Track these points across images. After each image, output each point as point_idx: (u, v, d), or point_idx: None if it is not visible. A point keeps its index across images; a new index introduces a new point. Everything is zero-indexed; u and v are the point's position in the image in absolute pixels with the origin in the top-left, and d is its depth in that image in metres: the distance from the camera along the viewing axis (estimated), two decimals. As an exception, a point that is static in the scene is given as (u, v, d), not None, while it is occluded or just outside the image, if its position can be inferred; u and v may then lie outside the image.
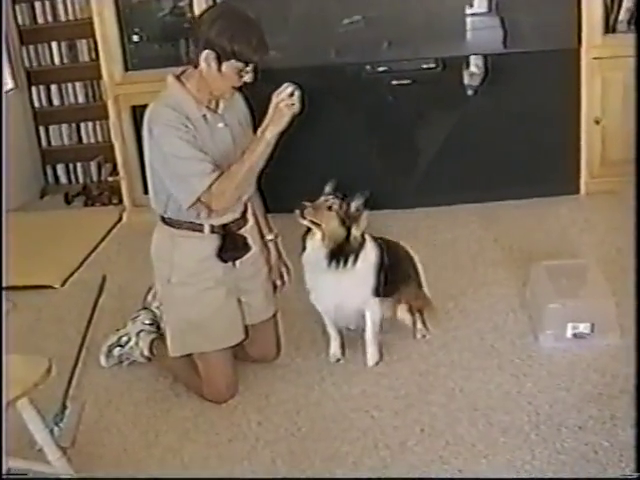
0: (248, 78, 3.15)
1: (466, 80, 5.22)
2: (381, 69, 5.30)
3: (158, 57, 5.54)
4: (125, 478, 2.98)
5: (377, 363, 3.60)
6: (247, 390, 3.53)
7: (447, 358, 3.63)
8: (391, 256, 3.65)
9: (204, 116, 3.19)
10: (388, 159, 5.47)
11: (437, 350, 3.68)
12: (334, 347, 3.71)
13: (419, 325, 3.78)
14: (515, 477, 2.80)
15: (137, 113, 5.54)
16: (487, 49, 5.20)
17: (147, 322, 3.77)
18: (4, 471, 2.86)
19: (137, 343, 3.76)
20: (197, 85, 3.19)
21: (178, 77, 3.24)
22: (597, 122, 5.24)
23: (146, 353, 3.74)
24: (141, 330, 3.76)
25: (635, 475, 2.53)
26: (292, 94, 3.07)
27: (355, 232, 3.46)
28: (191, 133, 3.13)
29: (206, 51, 3.07)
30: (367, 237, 3.55)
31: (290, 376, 3.60)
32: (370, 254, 3.54)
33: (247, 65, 3.10)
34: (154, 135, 3.15)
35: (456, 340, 3.75)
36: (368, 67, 5.30)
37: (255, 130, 3.24)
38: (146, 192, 5.58)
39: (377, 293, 3.57)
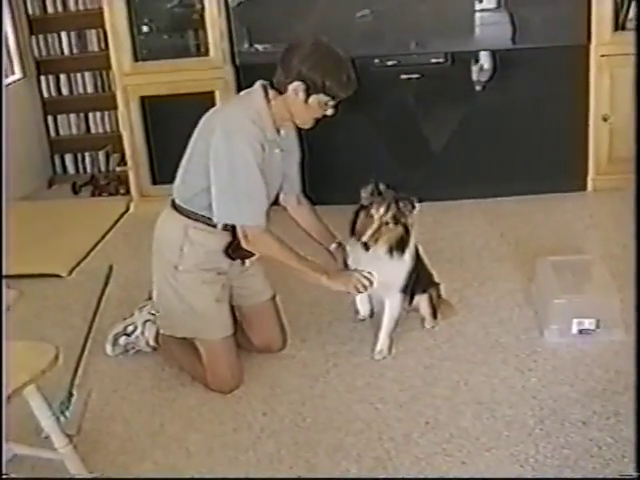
0: (330, 112, 3.27)
1: (475, 75, 5.23)
2: (390, 63, 5.30)
3: (167, 48, 5.56)
4: (129, 478, 2.98)
5: (384, 358, 3.60)
6: (252, 381, 3.54)
7: (452, 352, 3.64)
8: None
9: (273, 139, 3.27)
10: (395, 153, 5.47)
11: (442, 343, 3.69)
12: (362, 309, 3.89)
13: (428, 316, 3.83)
14: (515, 477, 2.80)
15: (146, 103, 5.57)
16: (496, 45, 5.20)
17: (153, 312, 3.78)
18: (6, 458, 2.88)
19: (143, 333, 3.77)
20: (279, 110, 3.25)
21: (266, 92, 3.26)
22: (605, 119, 5.25)
23: (152, 343, 3.75)
24: (147, 320, 3.77)
25: (635, 475, 2.53)
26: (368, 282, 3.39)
27: (410, 226, 3.48)
28: (262, 157, 3.20)
29: (297, 82, 3.15)
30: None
31: (295, 367, 3.61)
32: (412, 249, 3.54)
33: (333, 99, 3.21)
34: (233, 141, 3.16)
35: (461, 334, 3.76)
36: (377, 61, 5.30)
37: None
38: (154, 183, 5.69)
39: (405, 289, 3.61)
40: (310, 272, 3.33)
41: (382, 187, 3.49)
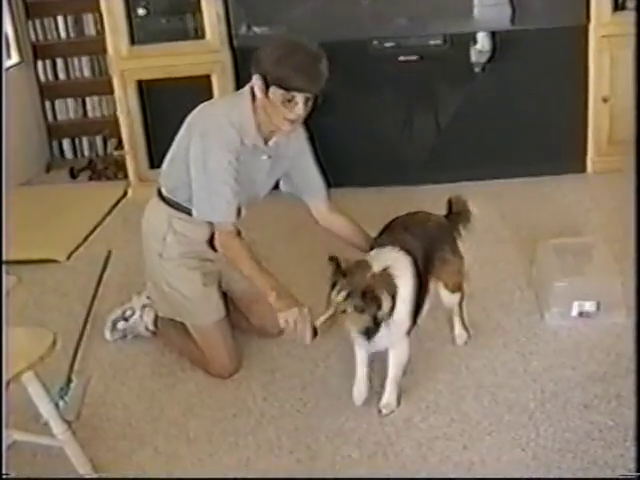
0: (298, 110, 3.04)
1: (473, 57, 5.20)
2: (388, 45, 5.27)
3: (164, 31, 5.50)
4: (128, 478, 2.97)
5: (392, 412, 3.16)
6: (252, 365, 3.53)
7: (453, 335, 3.63)
8: (424, 236, 3.26)
9: (254, 145, 3.20)
10: (394, 136, 5.46)
11: (443, 327, 3.67)
12: (360, 389, 3.22)
13: (457, 328, 3.58)
14: (516, 477, 2.78)
15: (143, 87, 5.54)
16: (495, 26, 5.16)
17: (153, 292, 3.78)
18: (6, 445, 2.87)
19: (141, 317, 3.77)
20: (261, 114, 3.14)
21: (254, 96, 3.14)
22: (605, 100, 5.22)
23: (150, 327, 3.74)
24: (145, 304, 3.76)
25: (635, 475, 2.53)
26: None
27: (382, 311, 2.91)
28: (238, 161, 3.14)
29: (255, 76, 3.05)
30: (398, 272, 2.98)
31: (296, 352, 3.60)
32: (405, 290, 2.99)
33: (289, 91, 2.99)
34: (206, 142, 3.13)
35: (462, 317, 3.75)
36: (375, 43, 5.27)
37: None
38: (152, 167, 5.66)
39: (411, 327, 3.13)
40: (264, 285, 3.15)
41: (348, 265, 2.96)
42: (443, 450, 2.93)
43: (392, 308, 2.92)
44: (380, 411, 3.15)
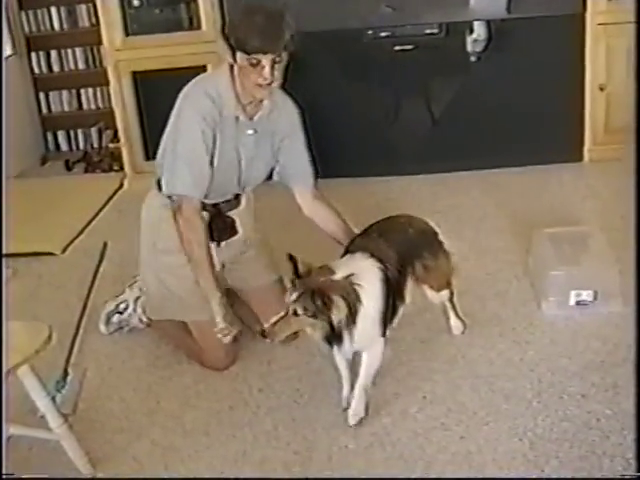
0: (265, 73, 2.97)
1: (469, 46, 5.19)
2: (383, 34, 5.25)
3: (159, 22, 5.50)
4: (128, 479, 2.96)
5: (360, 421, 3.05)
6: (249, 357, 3.52)
7: (449, 325, 3.62)
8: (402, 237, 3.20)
9: (237, 117, 3.16)
10: (389, 125, 5.45)
11: (439, 317, 3.66)
12: (347, 390, 3.16)
13: (452, 319, 3.56)
14: (517, 477, 2.77)
15: (137, 79, 5.53)
16: (491, 14, 5.15)
17: (144, 288, 3.77)
18: (5, 437, 2.87)
19: (135, 310, 3.75)
20: (238, 81, 3.11)
21: (232, 68, 3.12)
22: (601, 89, 5.21)
23: (145, 320, 3.73)
24: (138, 296, 3.75)
25: (635, 475, 2.52)
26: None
27: (337, 317, 2.79)
28: (212, 134, 3.12)
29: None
30: (364, 282, 2.87)
31: (292, 343, 3.58)
32: (370, 302, 2.88)
33: (248, 54, 2.95)
34: (183, 106, 3.14)
35: (458, 308, 3.74)
36: (370, 32, 5.25)
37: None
38: (147, 158, 5.65)
39: (384, 331, 3.02)
40: (206, 282, 3.19)
41: (309, 268, 2.87)
42: (440, 440, 2.93)
43: (352, 317, 2.81)
44: (348, 422, 3.04)
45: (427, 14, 5.21)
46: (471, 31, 5.15)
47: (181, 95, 3.20)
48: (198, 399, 3.32)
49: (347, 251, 3.13)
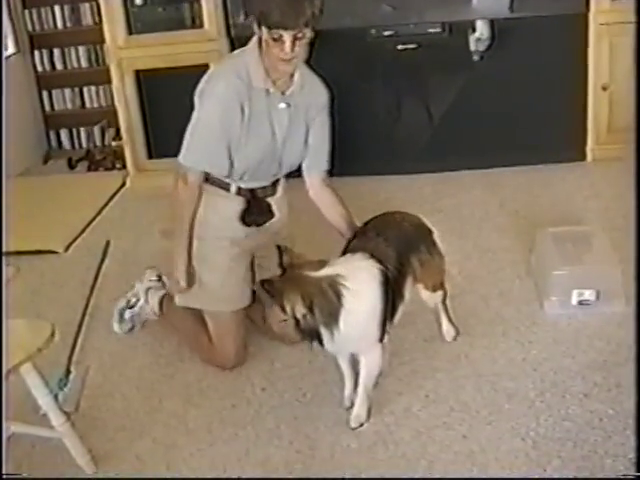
0: (287, 48, 2.95)
1: (472, 45, 5.18)
2: (387, 33, 5.25)
3: (162, 20, 5.48)
4: (130, 479, 2.96)
5: (361, 425, 3.05)
6: (251, 355, 3.52)
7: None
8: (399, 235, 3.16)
9: (267, 90, 3.13)
10: (392, 124, 5.45)
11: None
12: (349, 389, 3.17)
13: (445, 324, 3.51)
14: (518, 477, 2.76)
15: (140, 77, 5.52)
16: (493, 13, 5.14)
17: (154, 278, 3.75)
18: (5, 436, 2.87)
19: (147, 301, 3.74)
20: (265, 55, 3.08)
21: (260, 41, 3.08)
22: (604, 88, 5.20)
23: (157, 310, 3.71)
24: (149, 287, 3.74)
25: (635, 475, 2.52)
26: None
27: (290, 310, 2.77)
28: (240, 108, 3.09)
29: (250, 17, 3.04)
30: (355, 284, 2.82)
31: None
32: (360, 305, 2.83)
33: (270, 29, 2.93)
34: (209, 84, 3.14)
35: (461, 306, 3.72)
36: (373, 31, 5.25)
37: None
38: (150, 157, 5.66)
39: (382, 336, 2.99)
40: (180, 241, 3.20)
41: (299, 261, 2.87)
42: (443, 439, 2.93)
43: (326, 317, 2.77)
44: (350, 424, 3.03)
45: (430, 13, 5.20)
46: (474, 30, 5.14)
47: (207, 75, 3.21)
48: (201, 397, 3.32)
49: (345, 251, 3.11)
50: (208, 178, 3.25)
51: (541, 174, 5.19)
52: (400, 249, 3.09)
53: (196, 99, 3.20)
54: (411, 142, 5.42)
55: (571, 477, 2.68)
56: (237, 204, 3.31)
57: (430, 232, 3.30)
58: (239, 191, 3.29)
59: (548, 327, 3.55)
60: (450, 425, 3.00)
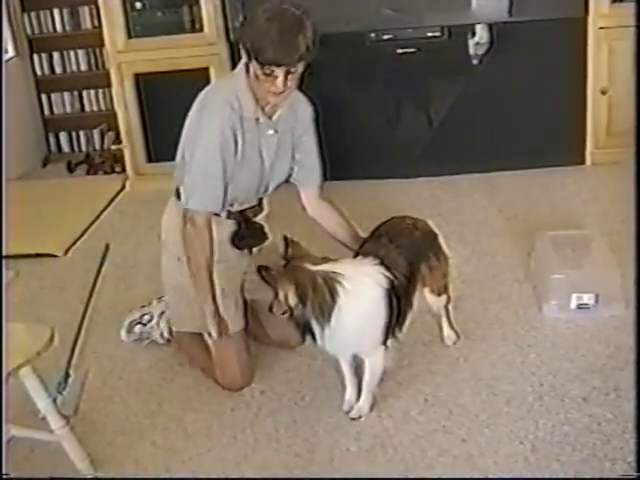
0: (279, 83, 2.90)
1: (471, 49, 5.19)
2: (386, 37, 5.26)
3: (161, 24, 5.49)
4: (129, 478, 2.96)
5: (360, 417, 3.10)
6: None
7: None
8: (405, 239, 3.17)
9: (257, 119, 3.10)
10: (392, 128, 5.45)
11: (440, 319, 3.67)
12: (349, 393, 3.18)
13: (446, 329, 3.52)
14: (519, 477, 2.77)
15: (140, 81, 5.53)
16: (492, 18, 5.15)
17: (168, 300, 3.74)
18: (5, 438, 2.87)
19: (158, 324, 3.69)
20: (256, 87, 3.03)
21: (247, 67, 3.01)
22: (603, 92, 5.21)
23: (166, 335, 3.67)
24: (164, 311, 3.68)
25: (635, 475, 2.52)
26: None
27: (283, 297, 2.86)
28: (234, 141, 3.06)
29: (240, 46, 2.98)
30: (355, 284, 2.85)
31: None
32: (359, 306, 2.86)
33: (262, 65, 2.87)
34: (203, 118, 3.06)
35: (460, 310, 3.73)
36: (372, 35, 5.26)
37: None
38: (149, 161, 5.66)
39: (385, 340, 3.02)
40: (202, 292, 3.16)
41: (302, 254, 2.94)
42: (442, 443, 2.93)
43: (321, 313, 2.80)
44: (350, 414, 3.10)
45: (429, 17, 5.21)
46: (473, 34, 5.15)
47: (199, 100, 3.14)
48: (200, 401, 3.32)
49: (357, 254, 3.12)
50: None
51: (540, 178, 5.19)
52: (411, 258, 3.11)
53: (189, 129, 3.15)
54: (410, 146, 5.42)
55: (571, 477, 2.69)
56: (228, 228, 3.28)
57: (436, 237, 3.32)
58: (229, 214, 3.26)
59: (547, 331, 3.55)
60: (449, 429, 3.00)
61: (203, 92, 3.18)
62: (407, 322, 3.13)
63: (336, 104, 5.32)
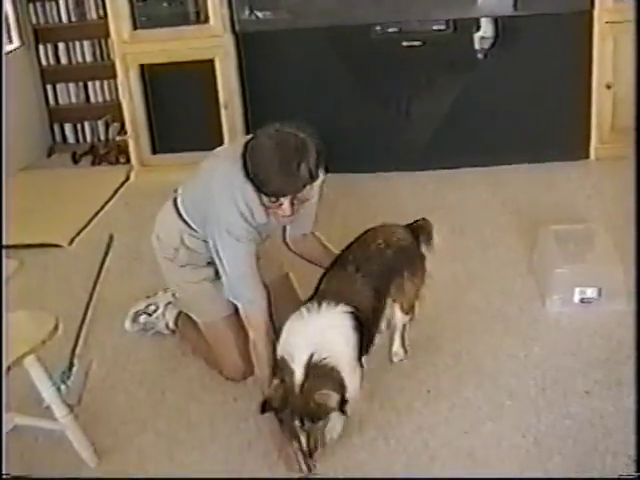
0: (285, 210, 2.94)
1: (476, 43, 5.20)
2: (391, 30, 5.25)
3: (167, 15, 5.49)
4: (130, 478, 2.96)
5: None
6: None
7: (454, 321, 3.63)
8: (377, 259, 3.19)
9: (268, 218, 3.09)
10: (396, 122, 5.45)
11: (444, 312, 3.68)
12: None
13: (396, 346, 3.41)
14: (519, 477, 2.76)
15: (145, 72, 5.54)
16: (498, 11, 5.15)
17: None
18: (7, 429, 2.88)
19: (164, 314, 3.70)
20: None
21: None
22: (608, 87, 5.20)
23: (171, 326, 3.68)
24: (170, 302, 3.69)
25: (635, 475, 2.53)
26: None
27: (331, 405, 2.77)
28: (252, 237, 3.08)
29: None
30: (328, 341, 2.86)
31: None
32: (344, 355, 2.87)
33: (271, 197, 2.92)
34: (223, 241, 3.06)
35: (463, 303, 3.75)
36: (378, 28, 5.26)
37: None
38: (154, 152, 5.67)
39: (360, 358, 2.99)
40: (262, 374, 3.10)
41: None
42: (444, 435, 2.94)
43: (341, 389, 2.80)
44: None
45: (435, 10, 5.20)
46: (478, 28, 5.15)
47: (216, 223, 3.08)
48: (203, 391, 3.33)
49: (315, 292, 3.09)
50: (188, 224, 3.25)
51: (544, 172, 5.19)
52: (379, 284, 3.12)
53: (215, 237, 3.09)
54: (415, 139, 5.42)
55: (571, 477, 2.69)
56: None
57: (416, 250, 3.33)
58: None
59: (550, 325, 3.56)
60: (451, 421, 3.01)
61: (211, 164, 3.19)
62: (375, 342, 3.14)
63: (340, 96, 5.33)
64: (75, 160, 6.54)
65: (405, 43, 5.24)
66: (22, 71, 6.54)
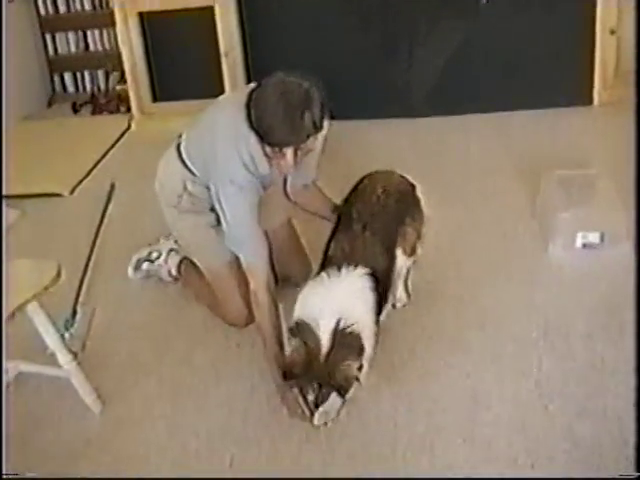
0: (289, 160, 2.90)
1: (480, -12, 5.14)
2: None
3: (165, -39, 5.44)
4: (132, 479, 2.97)
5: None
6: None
7: (456, 267, 3.64)
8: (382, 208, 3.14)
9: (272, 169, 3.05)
10: (398, 68, 5.41)
11: (446, 258, 3.68)
12: None
13: (399, 291, 3.39)
14: (521, 477, 2.82)
15: (144, 19, 5.49)
16: (501, -46, 5.09)
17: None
18: (12, 376, 2.90)
19: (166, 261, 3.71)
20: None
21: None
22: (612, 32, 5.15)
23: (174, 272, 3.70)
24: (172, 249, 3.71)
25: (635, 475, 2.53)
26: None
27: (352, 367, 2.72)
28: (256, 190, 3.05)
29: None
30: (353, 308, 2.80)
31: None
32: (367, 319, 2.84)
33: (275, 147, 2.88)
34: (226, 193, 3.03)
35: (465, 249, 3.75)
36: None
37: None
38: (154, 100, 5.64)
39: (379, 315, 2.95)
40: (269, 352, 3.03)
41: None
42: (446, 378, 2.96)
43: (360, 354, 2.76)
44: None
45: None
46: (481, -27, 5.10)
47: (219, 176, 3.05)
48: (206, 337, 3.35)
49: (325, 257, 3.05)
50: (191, 171, 3.22)
51: (548, 118, 5.15)
52: (387, 239, 3.08)
53: (219, 190, 3.06)
54: (417, 85, 5.39)
55: (572, 477, 2.69)
56: None
57: (414, 194, 3.26)
58: None
59: (552, 269, 3.56)
60: (453, 365, 3.03)
61: (215, 112, 3.15)
62: (389, 300, 3.11)
63: (344, 43, 5.29)
64: (75, 110, 6.51)
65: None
66: (21, 21, 6.50)
